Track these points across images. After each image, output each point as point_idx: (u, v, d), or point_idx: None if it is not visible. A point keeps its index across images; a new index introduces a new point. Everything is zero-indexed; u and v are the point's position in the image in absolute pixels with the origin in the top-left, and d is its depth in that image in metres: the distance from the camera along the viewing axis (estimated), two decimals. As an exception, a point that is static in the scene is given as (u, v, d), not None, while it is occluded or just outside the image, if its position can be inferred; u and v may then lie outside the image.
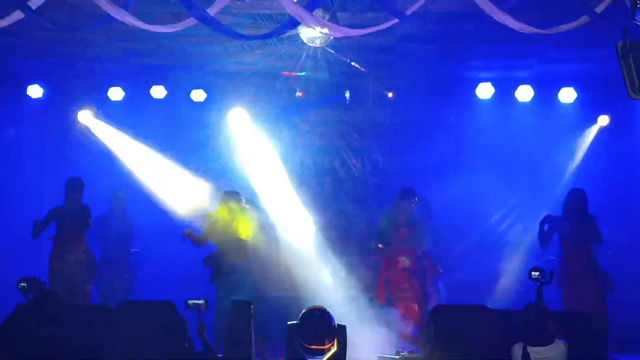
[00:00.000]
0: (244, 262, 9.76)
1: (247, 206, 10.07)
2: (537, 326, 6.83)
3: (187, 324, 6.69)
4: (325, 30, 7.54)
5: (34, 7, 6.91)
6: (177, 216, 12.04)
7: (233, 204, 9.84)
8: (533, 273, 7.63)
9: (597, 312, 9.24)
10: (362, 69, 11.03)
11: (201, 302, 7.07)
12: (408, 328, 9.74)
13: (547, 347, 6.79)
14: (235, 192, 10.07)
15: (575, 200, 9.82)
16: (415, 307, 10.06)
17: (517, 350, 6.80)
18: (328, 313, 5.37)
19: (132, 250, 11.63)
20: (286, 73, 11.40)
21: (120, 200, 11.47)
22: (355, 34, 7.48)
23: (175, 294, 8.62)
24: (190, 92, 12.15)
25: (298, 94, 12.06)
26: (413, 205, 10.38)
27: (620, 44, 6.23)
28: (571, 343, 6.88)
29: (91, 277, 10.46)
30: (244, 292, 9.36)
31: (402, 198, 10.44)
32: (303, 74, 11.49)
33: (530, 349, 6.71)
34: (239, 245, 9.78)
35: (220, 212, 9.87)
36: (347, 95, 12.01)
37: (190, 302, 7.12)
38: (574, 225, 9.78)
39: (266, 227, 10.52)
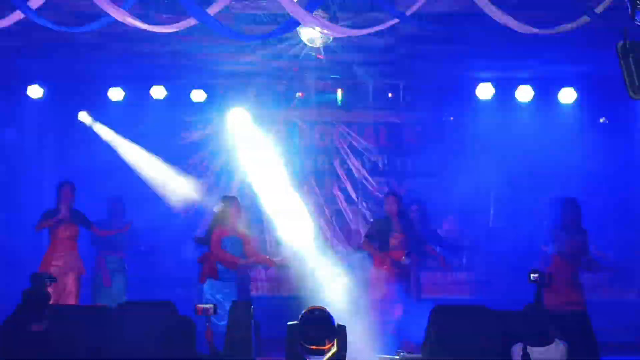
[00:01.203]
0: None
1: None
2: (538, 326, 6.83)
3: (194, 325, 6.67)
4: (326, 31, 7.53)
5: (34, 7, 6.91)
6: (176, 216, 12.09)
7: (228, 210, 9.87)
8: (532, 275, 7.65)
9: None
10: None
11: (210, 306, 7.08)
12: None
13: (547, 347, 6.79)
14: (232, 197, 10.12)
15: (570, 211, 9.82)
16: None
17: (517, 350, 6.80)
18: (328, 313, 5.36)
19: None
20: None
21: (116, 206, 11.25)
22: (355, 34, 7.47)
23: (175, 295, 8.65)
24: (190, 92, 12.15)
25: (298, 94, 12.07)
26: (396, 206, 10.24)
27: (620, 44, 6.22)
28: (571, 343, 6.88)
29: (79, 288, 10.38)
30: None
31: (385, 204, 10.40)
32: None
33: (530, 349, 6.71)
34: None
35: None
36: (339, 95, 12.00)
37: (199, 306, 7.13)
38: (569, 236, 9.79)
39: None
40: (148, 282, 11.52)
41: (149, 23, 7.42)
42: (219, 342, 7.65)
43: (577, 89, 11.75)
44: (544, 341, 6.81)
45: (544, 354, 6.75)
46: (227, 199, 10.06)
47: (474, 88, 11.83)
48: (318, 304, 5.55)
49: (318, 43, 8.20)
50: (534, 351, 6.70)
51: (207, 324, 7.08)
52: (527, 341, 6.78)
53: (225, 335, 8.30)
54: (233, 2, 7.38)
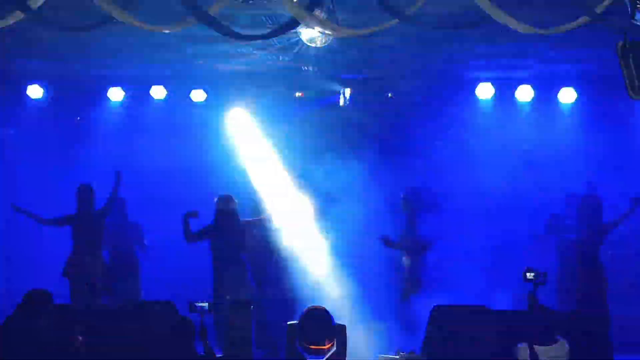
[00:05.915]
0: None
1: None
2: (544, 326, 6.83)
3: (193, 325, 6.65)
4: (326, 31, 7.54)
5: (34, 7, 6.92)
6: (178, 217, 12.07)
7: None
8: (528, 274, 7.63)
9: (599, 313, 9.33)
10: None
11: (205, 304, 7.05)
12: None
13: (552, 346, 6.79)
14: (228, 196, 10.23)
15: (592, 208, 9.93)
16: None
17: (523, 350, 6.80)
18: (328, 313, 5.36)
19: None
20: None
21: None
22: (355, 34, 7.48)
23: (176, 295, 8.65)
24: (190, 92, 12.14)
25: (298, 94, 12.06)
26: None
27: (620, 44, 6.23)
28: (571, 343, 6.89)
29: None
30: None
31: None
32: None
33: (537, 348, 6.72)
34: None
35: None
36: (347, 94, 11.98)
37: (195, 304, 7.10)
38: (589, 232, 9.86)
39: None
40: (150, 282, 11.52)
41: (150, 23, 7.42)
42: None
43: (577, 89, 11.73)
44: (550, 340, 6.81)
45: (549, 353, 6.75)
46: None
47: (474, 88, 11.81)
48: (319, 304, 5.55)
49: (318, 43, 8.20)
50: (540, 350, 6.70)
51: (201, 322, 7.04)
52: (533, 341, 6.78)
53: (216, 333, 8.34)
54: (233, 2, 7.37)
